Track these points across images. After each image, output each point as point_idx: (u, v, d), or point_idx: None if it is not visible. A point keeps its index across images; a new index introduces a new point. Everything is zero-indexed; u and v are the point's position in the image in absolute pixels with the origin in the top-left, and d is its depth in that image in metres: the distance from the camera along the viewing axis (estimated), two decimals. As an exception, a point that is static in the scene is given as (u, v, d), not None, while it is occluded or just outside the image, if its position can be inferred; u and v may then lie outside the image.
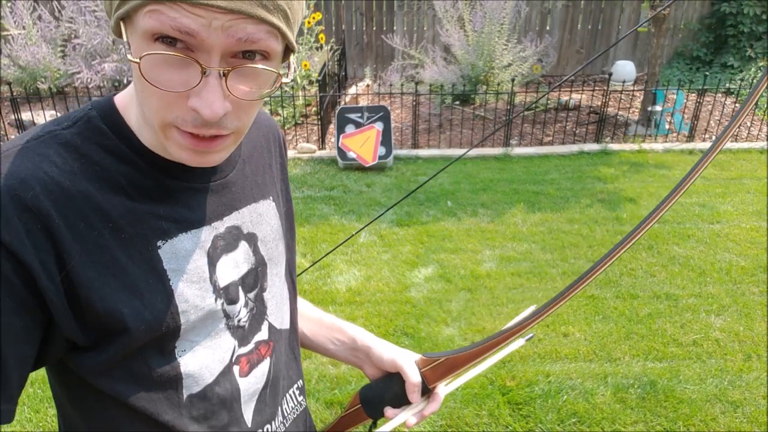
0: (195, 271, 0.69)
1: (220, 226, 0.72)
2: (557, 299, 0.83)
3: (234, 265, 0.74)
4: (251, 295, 0.77)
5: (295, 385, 0.89)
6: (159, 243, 0.66)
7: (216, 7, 0.52)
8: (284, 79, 0.61)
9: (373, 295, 3.38)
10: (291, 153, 5.61)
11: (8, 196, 0.56)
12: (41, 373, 1.82)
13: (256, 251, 0.78)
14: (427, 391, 0.90)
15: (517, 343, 0.92)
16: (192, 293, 0.68)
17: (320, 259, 1.84)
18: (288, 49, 0.62)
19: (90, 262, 0.61)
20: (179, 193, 0.68)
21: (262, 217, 0.79)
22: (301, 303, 1.01)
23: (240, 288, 0.75)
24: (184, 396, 0.70)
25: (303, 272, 1.58)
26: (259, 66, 0.57)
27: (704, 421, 2.48)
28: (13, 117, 5.71)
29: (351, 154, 5.15)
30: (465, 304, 3.28)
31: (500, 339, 0.86)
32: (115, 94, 0.69)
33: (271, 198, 0.82)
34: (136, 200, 0.65)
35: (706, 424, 2.46)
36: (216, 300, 0.71)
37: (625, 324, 3.10)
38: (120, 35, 0.58)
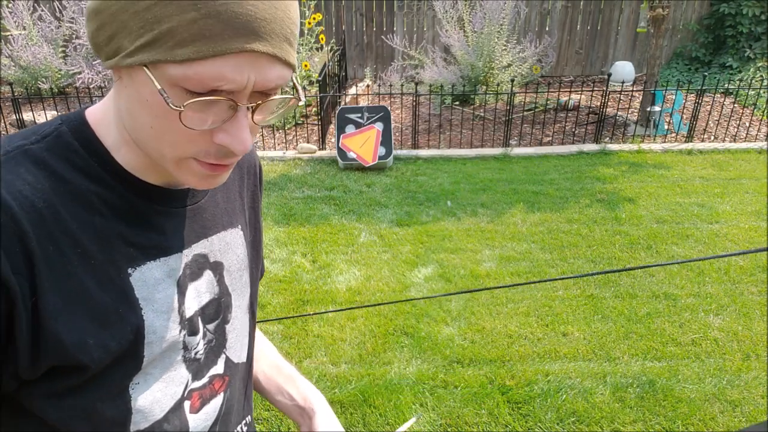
0: (165, 301, 0.66)
1: (189, 254, 0.70)
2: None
3: (196, 295, 0.71)
4: (210, 326, 0.74)
5: (244, 421, 0.86)
6: (129, 270, 0.63)
7: (260, 52, 0.54)
8: (300, 103, 0.63)
9: (373, 294, 3.39)
10: (291, 153, 5.62)
11: None
12: None
13: (220, 281, 0.75)
14: None
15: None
16: (161, 324, 0.65)
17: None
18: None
19: (58, 289, 0.57)
20: (152, 216, 0.66)
21: (229, 246, 0.77)
22: (265, 344, 0.99)
23: (199, 318, 0.72)
24: None
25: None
26: (278, 97, 0.59)
27: (703, 420, 2.49)
28: (14, 117, 5.73)
29: (351, 155, 5.16)
30: (464, 304, 3.29)
31: None
32: (86, 108, 0.65)
33: (239, 227, 0.80)
34: (108, 223, 0.62)
35: (704, 424, 2.47)
36: (180, 331, 0.68)
37: (624, 323, 3.12)
38: (117, 74, 0.57)
